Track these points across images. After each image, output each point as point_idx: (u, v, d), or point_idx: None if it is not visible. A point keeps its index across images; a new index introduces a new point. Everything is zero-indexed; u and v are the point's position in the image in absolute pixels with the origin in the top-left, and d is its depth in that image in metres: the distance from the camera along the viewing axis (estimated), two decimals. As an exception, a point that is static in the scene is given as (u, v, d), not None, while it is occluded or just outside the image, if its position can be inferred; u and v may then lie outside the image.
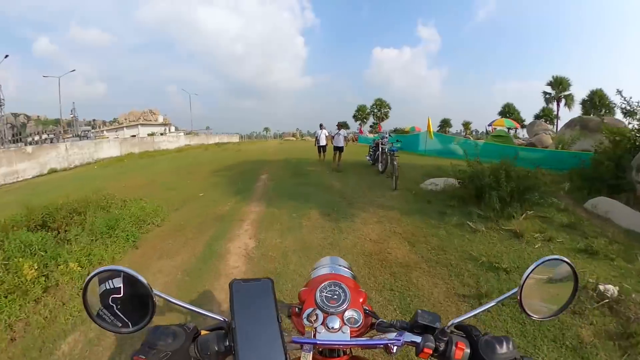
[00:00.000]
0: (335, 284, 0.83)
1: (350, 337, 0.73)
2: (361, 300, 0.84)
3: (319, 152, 11.80)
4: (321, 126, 11.61)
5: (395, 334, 0.72)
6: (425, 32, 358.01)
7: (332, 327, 0.73)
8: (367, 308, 0.83)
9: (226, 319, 0.64)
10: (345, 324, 0.74)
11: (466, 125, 68.95)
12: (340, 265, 1.07)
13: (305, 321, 0.75)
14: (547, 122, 34.43)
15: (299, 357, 0.69)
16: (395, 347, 0.70)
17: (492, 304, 0.75)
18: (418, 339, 0.69)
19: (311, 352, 0.68)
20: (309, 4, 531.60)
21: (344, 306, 0.77)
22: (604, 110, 41.09)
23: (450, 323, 0.71)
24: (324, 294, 0.80)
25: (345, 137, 11.06)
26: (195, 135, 37.31)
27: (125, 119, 61.86)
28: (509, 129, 22.80)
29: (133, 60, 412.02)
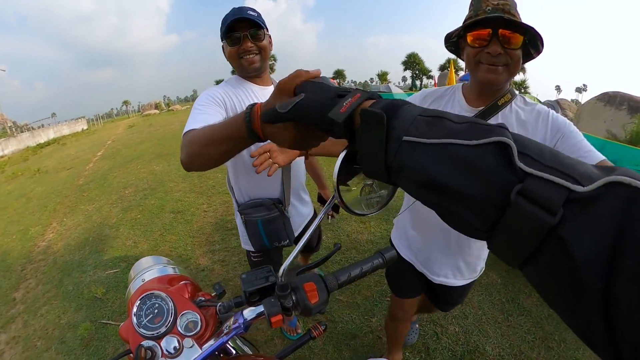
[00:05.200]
0: (148, 297, 0.69)
1: (200, 344, 0.64)
2: (188, 295, 0.75)
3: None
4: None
5: (232, 318, 0.63)
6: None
7: (174, 350, 0.62)
8: (201, 298, 0.75)
9: None
10: (185, 336, 0.64)
11: (382, 76, 67.20)
12: (150, 267, 0.89)
13: None
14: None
15: None
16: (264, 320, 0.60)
17: (316, 222, 0.62)
18: (260, 309, 0.60)
19: None
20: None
21: (172, 316, 0.66)
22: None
23: (281, 272, 0.61)
24: (143, 319, 0.66)
25: None
26: (14, 137, 21.51)
27: None
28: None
29: None
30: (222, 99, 1.33)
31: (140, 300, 0.69)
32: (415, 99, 1.23)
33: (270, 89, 1.49)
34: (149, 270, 0.89)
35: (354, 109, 0.36)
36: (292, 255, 0.61)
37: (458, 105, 1.14)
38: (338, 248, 0.73)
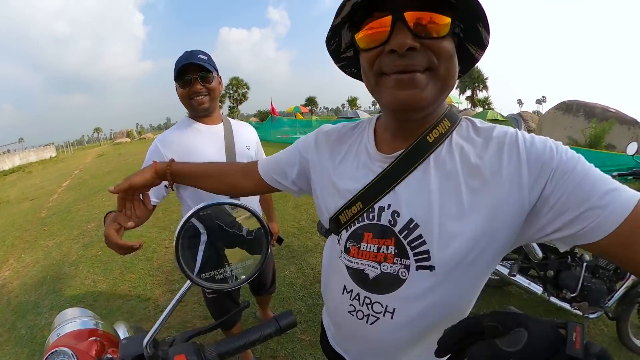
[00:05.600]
0: (56, 354, 0.70)
1: None
2: (95, 352, 0.74)
3: None
4: None
5: None
6: (276, 14, 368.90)
7: None
8: (109, 355, 0.72)
9: None
10: None
11: (352, 101, 70.83)
12: (72, 320, 0.89)
13: None
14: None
15: None
16: None
17: (175, 301, 0.65)
18: None
19: None
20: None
21: None
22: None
23: (145, 342, 0.60)
24: None
25: None
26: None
27: None
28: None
29: None
30: (161, 154, 1.44)
31: (48, 356, 0.70)
32: (307, 144, 0.82)
33: (219, 127, 1.59)
34: (70, 322, 0.89)
35: (584, 344, 0.35)
36: (158, 323, 0.63)
37: (365, 153, 0.69)
38: (246, 306, 0.71)
